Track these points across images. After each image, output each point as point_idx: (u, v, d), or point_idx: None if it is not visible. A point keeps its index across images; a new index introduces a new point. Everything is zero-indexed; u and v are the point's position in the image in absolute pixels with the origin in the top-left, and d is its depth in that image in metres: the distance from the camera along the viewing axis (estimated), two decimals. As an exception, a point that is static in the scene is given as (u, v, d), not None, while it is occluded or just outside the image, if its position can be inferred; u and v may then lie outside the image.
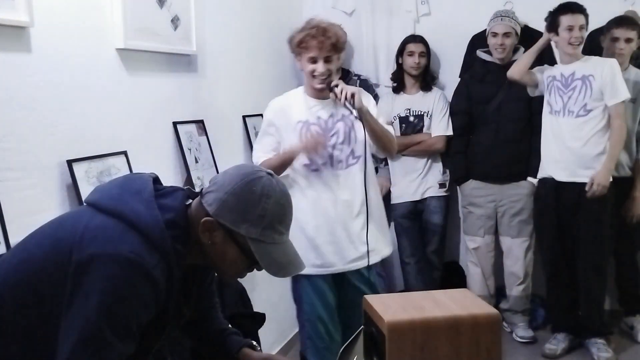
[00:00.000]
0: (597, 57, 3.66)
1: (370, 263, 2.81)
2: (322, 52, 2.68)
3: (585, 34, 3.58)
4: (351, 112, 2.70)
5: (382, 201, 3.00)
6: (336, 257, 2.80)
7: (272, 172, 1.52)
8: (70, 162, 2.14)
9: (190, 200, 1.52)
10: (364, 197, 2.78)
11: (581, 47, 3.60)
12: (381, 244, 2.89)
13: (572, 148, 3.57)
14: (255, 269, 1.53)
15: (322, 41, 2.67)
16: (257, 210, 1.44)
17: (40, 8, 2.03)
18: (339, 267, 2.82)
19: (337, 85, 2.69)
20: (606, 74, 3.52)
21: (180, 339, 1.97)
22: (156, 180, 1.55)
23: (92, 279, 1.32)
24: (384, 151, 2.91)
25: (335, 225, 2.79)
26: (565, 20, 3.55)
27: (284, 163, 2.77)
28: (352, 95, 2.64)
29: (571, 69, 3.60)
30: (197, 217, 1.46)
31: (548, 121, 3.68)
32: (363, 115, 2.67)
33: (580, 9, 3.55)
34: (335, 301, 2.91)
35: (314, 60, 2.71)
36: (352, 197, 2.79)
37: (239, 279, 1.62)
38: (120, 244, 1.35)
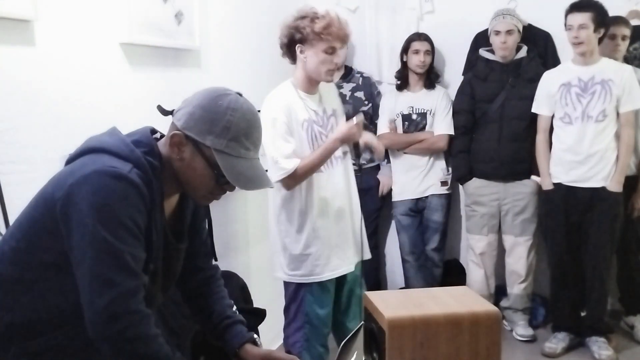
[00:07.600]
0: (614, 61, 3.63)
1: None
2: (341, 43, 2.63)
3: (589, 32, 3.46)
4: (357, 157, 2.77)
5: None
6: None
7: (241, 93, 1.57)
8: (73, 156, 2.15)
9: (159, 133, 1.60)
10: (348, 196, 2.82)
11: (587, 47, 3.51)
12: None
13: (591, 154, 3.54)
14: (227, 190, 1.57)
15: (342, 30, 2.61)
16: (222, 122, 1.49)
17: (45, 2, 2.04)
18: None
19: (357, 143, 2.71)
20: (626, 80, 3.51)
21: (183, 311, 1.96)
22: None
23: (77, 204, 1.38)
24: None
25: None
26: (567, 19, 3.55)
27: (323, 159, 2.66)
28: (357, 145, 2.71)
29: (590, 73, 3.56)
30: (168, 135, 1.53)
31: (561, 130, 3.64)
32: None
33: (580, 8, 3.50)
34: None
35: (333, 51, 2.60)
36: (335, 195, 2.77)
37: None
38: (91, 166, 1.42)
